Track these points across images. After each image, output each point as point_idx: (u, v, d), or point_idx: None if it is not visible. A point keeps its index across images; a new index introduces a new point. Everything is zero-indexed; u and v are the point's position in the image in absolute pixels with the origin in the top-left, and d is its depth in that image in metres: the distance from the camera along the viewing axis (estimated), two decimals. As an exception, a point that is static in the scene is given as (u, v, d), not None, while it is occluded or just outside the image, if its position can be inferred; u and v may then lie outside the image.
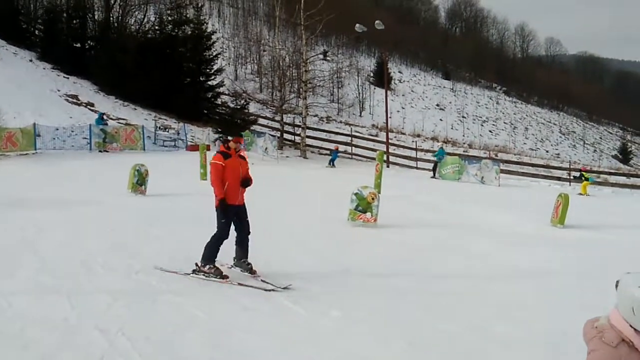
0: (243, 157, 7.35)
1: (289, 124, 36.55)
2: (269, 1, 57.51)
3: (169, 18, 39.06)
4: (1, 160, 21.16)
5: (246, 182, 7.18)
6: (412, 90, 70.76)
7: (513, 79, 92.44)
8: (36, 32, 41.04)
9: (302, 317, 5.98)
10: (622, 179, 30.11)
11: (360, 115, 54.16)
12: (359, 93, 57.05)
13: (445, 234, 11.50)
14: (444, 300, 6.95)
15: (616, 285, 2.58)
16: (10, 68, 32.54)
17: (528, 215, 14.51)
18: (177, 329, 5.44)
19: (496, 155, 38.66)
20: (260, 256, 7.50)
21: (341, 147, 34.53)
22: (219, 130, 31.90)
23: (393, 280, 7.77)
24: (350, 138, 36.49)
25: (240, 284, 6.84)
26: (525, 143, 63.55)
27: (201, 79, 37.74)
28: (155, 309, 5.99)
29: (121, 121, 30.98)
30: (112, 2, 40.21)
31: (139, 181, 14.59)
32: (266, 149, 28.22)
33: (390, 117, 38.53)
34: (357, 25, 33.34)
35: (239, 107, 34.36)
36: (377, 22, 32.56)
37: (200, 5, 41.64)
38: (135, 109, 34.39)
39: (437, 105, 68.65)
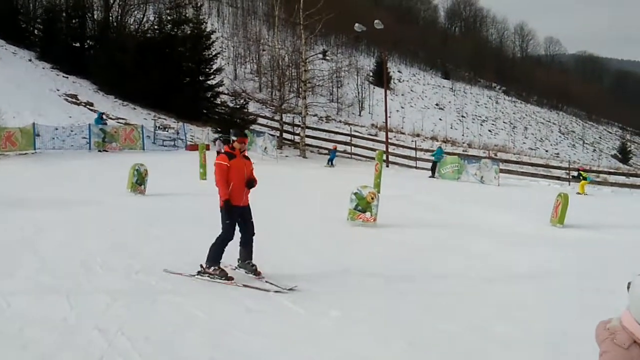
0: (248, 158, 7.30)
1: (288, 124, 36.56)
2: (268, 1, 57.52)
3: (168, 17, 39.04)
4: (0, 160, 21.14)
5: (251, 182, 7.11)
6: (411, 90, 70.77)
7: (512, 78, 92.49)
8: (35, 31, 41.04)
9: (302, 317, 5.98)
10: (621, 179, 30.13)
11: (359, 115, 54.18)
12: (359, 92, 57.06)
13: (444, 234, 11.49)
14: (443, 300, 6.95)
15: (628, 287, 2.57)
16: (9, 68, 32.52)
17: (527, 215, 14.50)
18: (177, 329, 5.44)
19: (495, 155, 38.70)
20: (260, 257, 7.48)
21: (341, 147, 34.55)
22: (219, 129, 31.91)
23: (393, 280, 7.76)
24: (349, 138, 36.49)
25: (245, 286, 6.79)
26: (524, 143, 63.57)
27: (200, 78, 37.72)
28: (154, 309, 5.98)
29: (120, 121, 30.97)
30: (112, 1, 40.20)
31: (139, 181, 14.59)
32: (265, 148, 28.22)
33: (389, 117, 38.52)
34: (357, 24, 33.32)
35: (238, 106, 34.33)
36: (376, 21, 32.55)
37: (199, 4, 41.59)
38: (135, 109, 34.39)
39: (437, 104, 68.67)
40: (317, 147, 34.87)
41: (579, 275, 8.56)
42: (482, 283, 7.81)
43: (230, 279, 6.93)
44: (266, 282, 6.98)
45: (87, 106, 32.05)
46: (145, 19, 41.25)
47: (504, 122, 70.21)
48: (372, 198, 11.78)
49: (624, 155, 68.95)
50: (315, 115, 43.50)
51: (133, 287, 6.72)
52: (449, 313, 6.40)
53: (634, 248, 11.16)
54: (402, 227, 12.05)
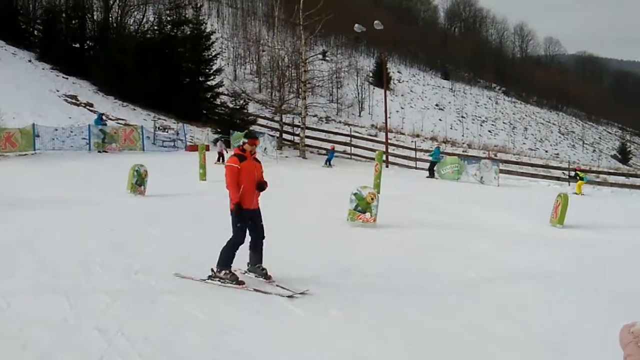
0: (258, 160, 7.19)
1: (288, 124, 36.57)
2: (268, 1, 57.57)
3: (168, 18, 39.09)
4: (0, 160, 21.14)
5: (262, 185, 7.01)
6: (411, 90, 70.79)
7: (512, 78, 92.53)
8: (35, 32, 41.07)
9: (302, 317, 5.98)
10: (621, 179, 30.12)
11: (359, 115, 54.18)
12: (358, 93, 57.07)
13: (444, 234, 11.50)
14: (443, 300, 6.95)
15: None
16: (9, 68, 32.54)
17: (527, 215, 14.51)
18: (176, 329, 5.44)
19: (495, 155, 38.70)
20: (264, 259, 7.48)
21: (340, 148, 34.55)
22: (218, 130, 31.93)
23: (392, 281, 7.77)
24: (349, 138, 36.51)
25: (256, 290, 6.70)
26: (524, 143, 63.59)
27: (200, 79, 37.75)
28: (154, 309, 5.98)
29: (120, 121, 30.98)
30: (111, 2, 40.23)
31: (138, 181, 14.58)
32: (265, 149, 28.21)
33: (389, 117, 38.51)
34: (356, 25, 33.32)
35: (238, 107, 34.37)
36: (376, 22, 32.55)
37: (199, 5, 41.63)
38: (134, 109, 34.39)
39: (436, 105, 68.69)
40: (317, 147, 34.88)
41: (579, 276, 8.56)
42: (482, 283, 7.81)
43: (241, 283, 6.82)
44: (277, 285, 6.89)
45: (87, 107, 32.06)
46: (145, 20, 41.29)
47: (503, 123, 70.24)
48: (372, 198, 11.79)
49: (623, 155, 68.98)
50: (315, 115, 43.51)
51: (132, 287, 6.72)
52: (448, 313, 6.40)
53: (633, 248, 11.17)
54: (401, 228, 12.05)
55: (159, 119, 33.06)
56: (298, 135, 34.46)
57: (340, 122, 48.42)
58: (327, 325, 5.80)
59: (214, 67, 39.05)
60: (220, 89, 38.86)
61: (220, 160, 24.84)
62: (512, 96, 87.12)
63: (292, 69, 38.19)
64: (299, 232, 10.78)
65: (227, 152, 25.93)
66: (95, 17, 41.05)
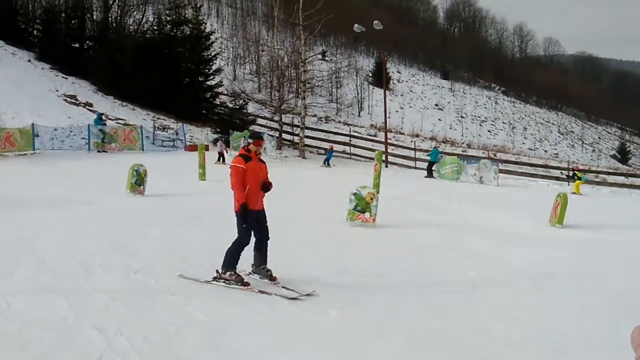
0: (263, 161, 7.13)
1: (287, 124, 36.59)
2: (267, 1, 57.61)
3: (168, 18, 39.09)
4: (0, 160, 21.15)
5: (267, 186, 6.96)
6: (410, 90, 70.78)
7: (511, 79, 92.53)
8: (34, 32, 41.06)
9: (301, 317, 5.97)
10: (620, 179, 30.13)
11: (358, 115, 54.18)
12: (358, 93, 57.06)
13: (444, 234, 11.50)
14: (442, 299, 6.95)
15: None
16: (8, 68, 32.52)
17: (527, 215, 14.52)
18: (176, 329, 5.43)
19: (495, 155, 38.72)
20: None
21: (340, 147, 34.57)
22: (218, 130, 31.95)
23: (392, 280, 7.77)
24: (348, 138, 36.53)
25: (261, 292, 6.63)
26: (524, 143, 63.61)
27: (200, 79, 37.75)
28: (153, 309, 5.98)
29: (120, 121, 30.99)
30: (111, 2, 40.22)
31: (138, 181, 14.58)
32: (265, 149, 28.19)
33: (388, 117, 38.51)
34: (356, 25, 33.33)
35: (237, 107, 34.41)
36: (375, 22, 32.55)
37: (198, 5, 41.65)
38: (134, 109, 34.39)
39: (436, 105, 68.69)
40: (316, 147, 34.90)
41: (578, 276, 8.56)
42: (481, 283, 7.81)
43: (247, 284, 6.75)
44: (282, 287, 6.83)
45: (86, 107, 32.06)
46: (144, 20, 41.29)
47: (503, 123, 70.25)
48: (372, 198, 11.79)
49: (623, 155, 69.02)
50: (315, 115, 43.53)
51: (132, 287, 6.72)
52: (448, 313, 6.40)
53: (633, 248, 11.18)
54: (401, 228, 12.05)
55: (159, 118, 33.06)
56: (297, 135, 34.48)
57: (339, 122, 48.43)
58: (326, 325, 5.80)
59: (214, 67, 39.07)
60: (220, 89, 38.86)
61: (221, 160, 24.84)
62: (512, 96, 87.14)
63: (292, 69, 38.24)
64: (299, 232, 10.78)
65: (227, 152, 25.94)
66: (94, 17, 41.04)
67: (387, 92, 41.25)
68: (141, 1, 41.62)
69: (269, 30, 55.71)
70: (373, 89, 60.14)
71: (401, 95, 67.00)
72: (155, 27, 39.18)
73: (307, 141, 34.21)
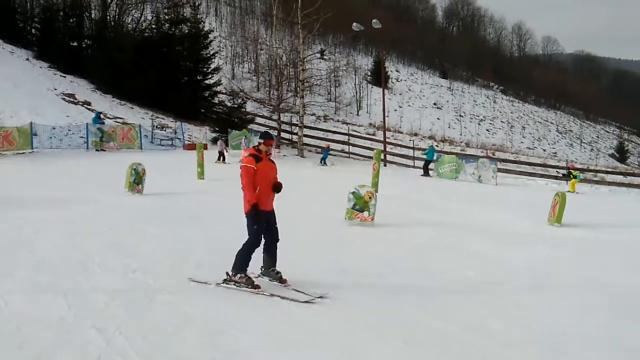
0: (273, 161, 7.03)
1: (286, 123, 36.55)
2: (266, 0, 57.47)
3: (166, 17, 39.00)
4: (-2, 159, 21.11)
5: (277, 187, 6.88)
6: (409, 89, 70.80)
7: (510, 77, 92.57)
8: (33, 30, 40.95)
9: (300, 317, 5.96)
10: (619, 178, 30.16)
11: (357, 114, 54.16)
12: (356, 92, 57.04)
13: (442, 233, 11.50)
14: (441, 299, 6.95)
15: None
16: (6, 67, 32.45)
17: (525, 214, 14.51)
18: (175, 329, 5.42)
19: (493, 154, 38.74)
20: (259, 256, 7.45)
21: (338, 146, 34.57)
22: (216, 129, 31.94)
23: (390, 279, 7.77)
24: (347, 137, 36.51)
25: (272, 295, 6.52)
26: (522, 142, 63.69)
27: (198, 77, 37.68)
28: (152, 309, 5.96)
29: (118, 120, 30.95)
30: (109, 1, 40.14)
31: (136, 180, 14.55)
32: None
33: (387, 116, 38.52)
34: (354, 24, 33.31)
35: (236, 106, 34.40)
36: (374, 20, 32.55)
37: (197, 4, 41.57)
38: (132, 108, 34.34)
39: (435, 104, 68.71)
40: (315, 146, 34.87)
41: (578, 275, 8.56)
42: (480, 282, 7.81)
43: (257, 287, 6.65)
44: (293, 289, 6.75)
45: (85, 105, 32.00)
46: (142, 18, 41.20)
47: (501, 122, 70.30)
48: (370, 197, 11.78)
49: (621, 154, 69.14)
50: (313, 114, 43.52)
51: (131, 287, 6.70)
52: (447, 312, 6.40)
53: (631, 247, 11.18)
54: (399, 227, 12.05)
55: (157, 117, 33.01)
56: (296, 134, 34.45)
57: (338, 120, 48.41)
58: (326, 325, 5.79)
59: (212, 66, 39.00)
60: (218, 88, 38.81)
61: (221, 159, 24.82)
62: (510, 95, 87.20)
63: (290, 68, 38.15)
64: (297, 231, 10.74)
65: (227, 151, 25.92)
66: (93, 16, 40.94)
67: (386, 91, 41.25)
68: (139, 0, 41.55)
69: (268, 29, 55.68)
70: (372, 87, 60.14)
71: (400, 94, 67.01)
72: (153, 26, 39.09)
73: (306, 140, 34.18)
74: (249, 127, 32.93)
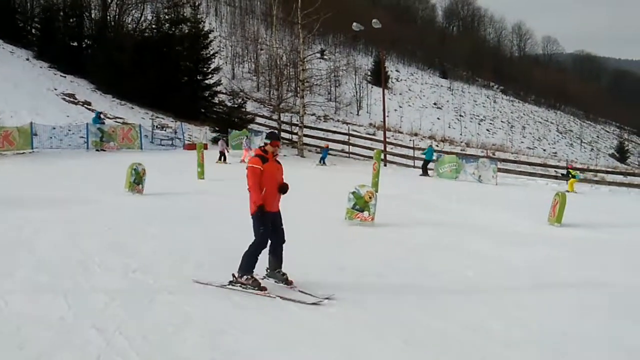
0: (279, 162, 6.98)
1: (286, 123, 36.55)
2: (266, 0, 57.48)
3: (166, 17, 38.99)
4: (-2, 159, 21.11)
5: (284, 188, 6.82)
6: (409, 89, 70.79)
7: (510, 77, 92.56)
8: (33, 30, 40.93)
9: (300, 317, 5.96)
10: (619, 178, 30.15)
11: (357, 114, 54.14)
12: (356, 92, 57.03)
13: (442, 233, 11.49)
14: (440, 298, 6.95)
15: None
16: (6, 67, 32.45)
17: (525, 214, 14.51)
18: (175, 329, 5.42)
19: (493, 154, 38.73)
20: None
21: (339, 146, 34.57)
22: (216, 129, 31.94)
23: (390, 279, 7.77)
24: (347, 137, 36.51)
25: (280, 297, 6.45)
26: (522, 142, 63.67)
27: (198, 77, 37.67)
28: (152, 308, 5.96)
29: (118, 120, 30.94)
30: (109, 1, 40.13)
31: (136, 180, 14.55)
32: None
33: (387, 116, 38.51)
34: (355, 23, 33.31)
35: (236, 106, 34.40)
36: (374, 20, 32.55)
37: (197, 3, 41.56)
38: (132, 108, 34.33)
39: (435, 104, 68.70)
40: (315, 146, 34.88)
41: (578, 275, 8.56)
42: (480, 282, 7.81)
43: (264, 289, 6.59)
44: (299, 291, 6.69)
45: (85, 105, 32.00)
46: (142, 18, 41.18)
47: (501, 122, 70.28)
48: (370, 197, 11.77)
49: (621, 154, 69.12)
50: (313, 114, 43.52)
51: (131, 287, 6.70)
52: (447, 312, 6.39)
53: (631, 247, 11.18)
54: (399, 226, 12.04)
55: (157, 117, 33.01)
56: (296, 134, 34.46)
57: (338, 120, 48.39)
58: (326, 325, 5.79)
59: (212, 66, 38.99)
60: (219, 88, 38.80)
61: (222, 159, 24.81)
62: (510, 95, 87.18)
63: (290, 68, 38.17)
64: (297, 231, 10.73)
65: (228, 151, 25.91)
66: (93, 16, 40.92)
67: (386, 91, 41.26)
68: (139, 0, 41.55)
69: (268, 29, 55.68)
70: (372, 87, 60.13)
71: (400, 94, 67.00)
72: (153, 26, 39.08)
73: (306, 140, 34.19)
74: (249, 127, 32.93)
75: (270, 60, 38.53)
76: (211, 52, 39.32)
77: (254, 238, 6.68)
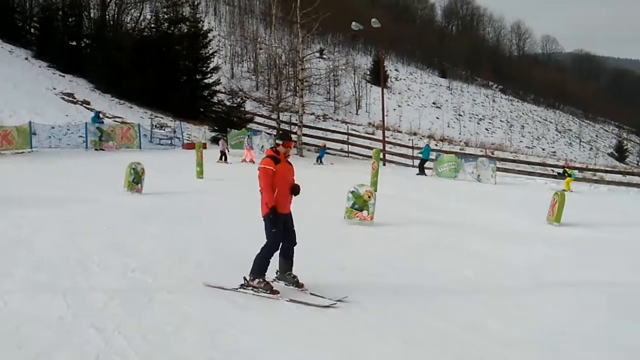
0: (290, 163, 6.86)
1: (285, 122, 36.56)
2: (265, -1, 57.48)
3: (165, 16, 39.00)
4: (-4, 158, 21.09)
5: (296, 189, 6.74)
6: (408, 89, 70.78)
7: (509, 77, 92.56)
8: (32, 30, 40.97)
9: (300, 317, 5.96)
10: (618, 177, 30.18)
11: (356, 114, 54.15)
12: (356, 91, 57.02)
13: (441, 232, 11.49)
14: (439, 298, 6.94)
15: None
16: (5, 66, 32.43)
17: (524, 214, 14.51)
18: (174, 328, 5.41)
19: (492, 154, 38.71)
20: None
21: (338, 146, 34.57)
22: (216, 128, 31.94)
23: (389, 279, 7.76)
24: (346, 136, 36.51)
25: (291, 300, 6.34)
26: (521, 141, 63.67)
27: (197, 77, 37.67)
28: (151, 308, 5.96)
29: (117, 119, 30.93)
30: (108, 0, 40.11)
31: (135, 179, 14.54)
32: (262, 147, 28.20)
33: (386, 115, 38.51)
34: (354, 23, 33.31)
35: (235, 105, 34.41)
36: (373, 20, 32.56)
37: (196, 3, 41.55)
38: (131, 107, 34.32)
39: (434, 103, 68.69)
40: (314, 145, 34.89)
41: (577, 275, 8.55)
42: (480, 282, 7.81)
43: (276, 292, 6.45)
44: (311, 294, 6.58)
45: (84, 105, 31.98)
46: (142, 18, 41.22)
47: (500, 121, 70.27)
48: (369, 196, 11.77)
49: (620, 153, 69.15)
50: (313, 113, 43.52)
51: (130, 286, 6.69)
52: (446, 312, 6.39)
53: (630, 246, 11.18)
54: (398, 226, 12.04)
55: (156, 117, 33.01)
56: (295, 133, 34.44)
57: (337, 120, 48.40)
58: (326, 325, 5.78)
59: (211, 65, 38.98)
60: (218, 87, 38.81)
61: (223, 159, 24.80)
62: (509, 94, 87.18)
63: (290, 67, 38.18)
64: (297, 231, 10.73)
65: (228, 151, 25.91)
66: (92, 15, 40.90)
67: (385, 90, 41.24)
68: (138, -1, 41.60)
69: (267, 28, 55.67)
70: (371, 87, 60.12)
71: (399, 93, 67.00)
72: (152, 25, 39.09)
73: (305, 139, 34.20)
74: (248, 126, 32.92)
75: (270, 60, 38.52)
76: (210, 52, 39.32)
77: (265, 240, 6.56)
